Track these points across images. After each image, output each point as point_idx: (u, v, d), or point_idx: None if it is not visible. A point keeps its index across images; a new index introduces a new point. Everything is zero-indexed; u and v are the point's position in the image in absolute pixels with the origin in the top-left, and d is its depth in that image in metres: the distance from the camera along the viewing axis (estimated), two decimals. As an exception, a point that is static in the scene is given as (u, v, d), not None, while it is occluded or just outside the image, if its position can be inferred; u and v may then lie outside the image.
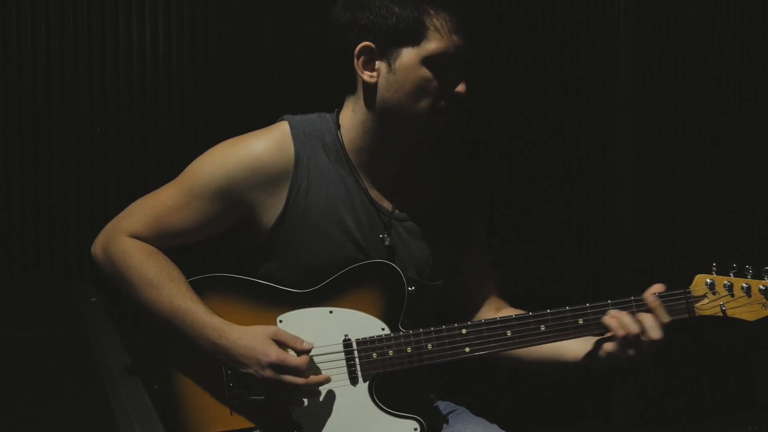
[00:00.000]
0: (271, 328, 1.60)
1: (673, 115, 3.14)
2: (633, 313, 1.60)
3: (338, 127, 1.73)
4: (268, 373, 1.56)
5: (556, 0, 2.95)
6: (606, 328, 1.63)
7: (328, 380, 1.62)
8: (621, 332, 1.58)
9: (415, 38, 1.63)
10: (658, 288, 1.64)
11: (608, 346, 1.61)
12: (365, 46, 1.65)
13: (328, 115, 1.77)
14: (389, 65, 1.65)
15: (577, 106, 2.99)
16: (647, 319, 1.58)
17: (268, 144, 1.67)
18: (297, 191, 1.67)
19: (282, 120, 1.74)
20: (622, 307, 1.62)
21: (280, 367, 1.56)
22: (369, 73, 1.66)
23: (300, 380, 1.57)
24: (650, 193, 3.11)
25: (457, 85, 1.67)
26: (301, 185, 1.67)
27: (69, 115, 2.35)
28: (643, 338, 1.58)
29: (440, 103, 1.66)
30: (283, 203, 1.67)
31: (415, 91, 1.64)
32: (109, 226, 1.71)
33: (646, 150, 3.09)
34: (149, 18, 2.41)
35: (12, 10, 2.29)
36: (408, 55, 1.64)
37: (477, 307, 1.86)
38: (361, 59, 1.66)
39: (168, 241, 1.68)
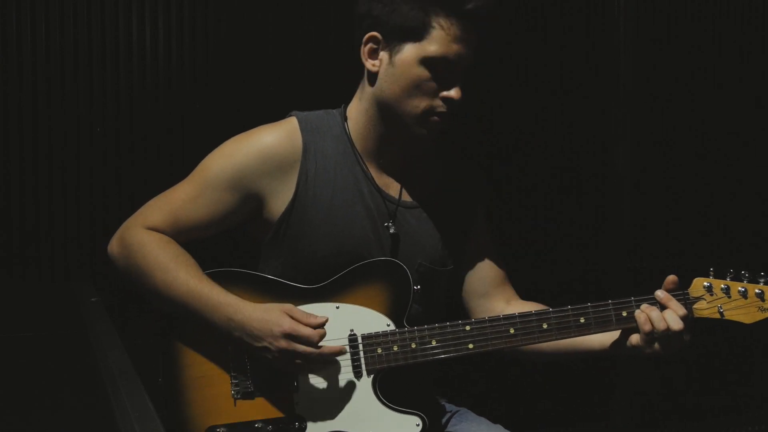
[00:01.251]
0: (285, 305, 1.64)
1: (673, 115, 3.14)
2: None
3: (345, 118, 1.78)
4: (282, 343, 1.59)
5: (556, 0, 2.95)
6: (603, 326, 1.66)
7: (342, 351, 1.64)
8: (647, 327, 1.60)
9: (417, 36, 1.65)
10: (672, 279, 1.67)
11: (635, 339, 1.64)
12: (372, 36, 1.70)
13: (334, 110, 1.82)
14: (390, 57, 1.68)
15: (577, 106, 2.99)
16: (667, 313, 1.61)
17: (277, 135, 1.73)
18: (306, 179, 1.71)
19: (290, 115, 1.79)
20: (651, 303, 1.65)
21: (293, 337, 1.58)
22: (372, 61, 1.71)
23: (312, 349, 1.59)
24: (650, 193, 3.11)
25: (452, 90, 1.68)
26: (309, 173, 1.71)
27: (69, 115, 2.35)
28: (668, 333, 1.60)
29: (433, 105, 1.68)
30: (293, 191, 1.71)
31: (409, 87, 1.67)
32: (126, 223, 1.75)
33: (646, 150, 3.09)
34: (149, 18, 2.41)
35: (12, 10, 2.29)
36: (408, 51, 1.66)
37: (483, 295, 1.87)
38: (368, 47, 1.71)
39: (183, 236, 1.72)
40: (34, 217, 2.33)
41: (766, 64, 3.27)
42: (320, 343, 1.61)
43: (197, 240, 1.74)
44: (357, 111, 1.77)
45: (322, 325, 1.62)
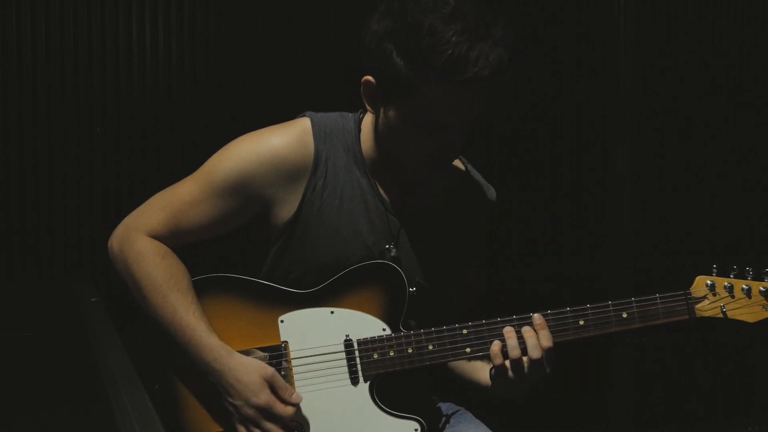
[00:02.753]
0: (268, 370, 1.59)
1: (673, 115, 3.14)
2: (518, 332, 1.60)
3: (359, 130, 1.72)
4: (251, 413, 1.56)
5: (555, 0, 2.95)
6: (603, 328, 1.64)
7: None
8: (504, 354, 1.59)
9: (407, 98, 1.53)
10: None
11: (493, 371, 1.63)
12: (369, 81, 1.60)
13: (350, 114, 1.75)
14: (385, 109, 1.60)
15: (577, 107, 2.99)
16: (530, 338, 1.59)
17: (287, 139, 1.66)
18: (313, 189, 1.66)
19: (303, 116, 1.72)
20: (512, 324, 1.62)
21: (266, 413, 1.56)
22: (370, 105, 1.64)
23: (278, 430, 1.57)
24: (650, 193, 3.11)
25: (448, 150, 1.61)
26: (317, 183, 1.67)
27: (69, 115, 2.35)
28: (524, 358, 1.58)
29: (431, 155, 1.61)
30: (299, 200, 1.66)
31: (403, 143, 1.61)
32: (127, 220, 1.70)
33: (646, 150, 3.09)
34: (149, 18, 2.41)
35: (12, 10, 2.29)
36: (400, 110, 1.56)
37: (453, 310, 1.85)
38: (365, 90, 1.62)
39: (185, 238, 1.68)
40: (34, 216, 2.33)
41: (766, 64, 3.27)
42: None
43: (197, 241, 1.71)
44: (368, 130, 1.70)
45: (296, 404, 1.59)
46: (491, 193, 1.88)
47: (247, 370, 1.57)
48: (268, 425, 1.56)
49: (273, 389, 1.58)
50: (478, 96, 1.52)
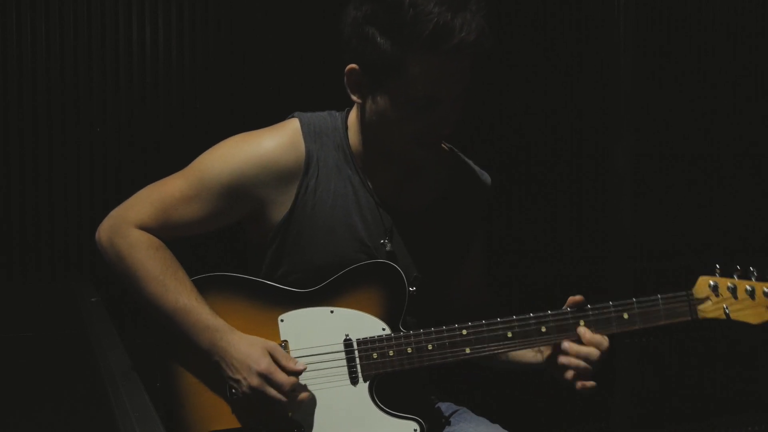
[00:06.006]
0: (270, 343, 1.60)
1: (674, 115, 3.14)
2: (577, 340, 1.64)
3: (346, 127, 1.72)
4: (255, 381, 1.56)
5: (556, 0, 2.95)
6: (604, 328, 1.65)
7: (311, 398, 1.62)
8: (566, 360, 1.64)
9: (396, 75, 1.54)
10: (575, 300, 1.65)
11: (554, 364, 1.66)
12: (353, 69, 1.61)
13: (337, 113, 1.75)
14: (372, 94, 1.60)
15: (577, 106, 2.99)
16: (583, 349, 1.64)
17: (279, 141, 1.67)
18: (306, 189, 1.67)
19: (292, 117, 1.73)
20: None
21: (268, 379, 1.56)
22: (355, 95, 1.64)
23: (282, 397, 1.57)
24: (650, 193, 3.11)
25: (441, 126, 1.61)
26: (309, 183, 1.67)
27: (69, 115, 2.35)
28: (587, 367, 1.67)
29: (422, 138, 1.62)
30: (292, 200, 1.67)
31: (395, 125, 1.60)
32: (115, 213, 1.70)
33: (646, 150, 3.09)
34: (149, 18, 2.41)
35: (12, 10, 2.29)
36: (389, 91, 1.57)
37: (461, 307, 1.85)
38: (350, 79, 1.63)
39: (174, 232, 1.68)
40: (34, 217, 2.33)
41: (766, 64, 3.27)
42: (310, 361, 1.61)
43: (186, 236, 1.71)
44: (355, 125, 1.72)
45: (299, 372, 1.60)
46: (485, 178, 1.88)
47: (250, 342, 1.59)
48: (271, 392, 1.56)
49: (275, 359, 1.59)
50: (464, 65, 1.55)
